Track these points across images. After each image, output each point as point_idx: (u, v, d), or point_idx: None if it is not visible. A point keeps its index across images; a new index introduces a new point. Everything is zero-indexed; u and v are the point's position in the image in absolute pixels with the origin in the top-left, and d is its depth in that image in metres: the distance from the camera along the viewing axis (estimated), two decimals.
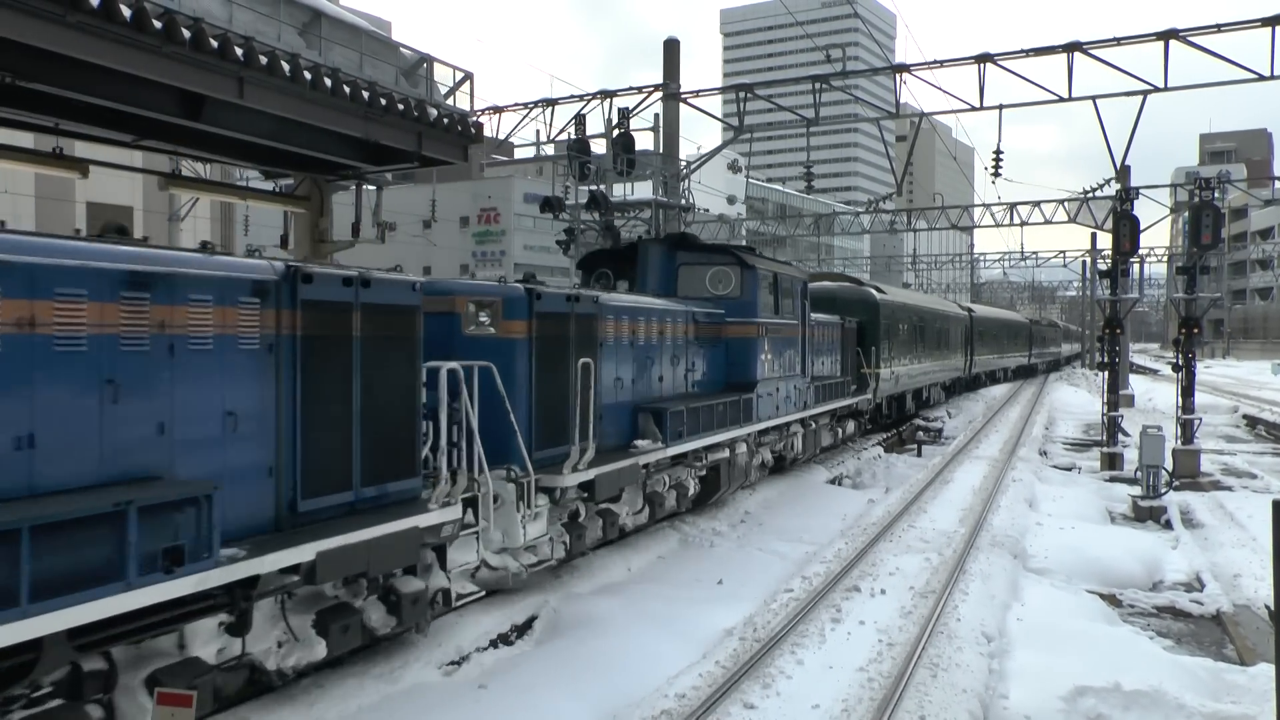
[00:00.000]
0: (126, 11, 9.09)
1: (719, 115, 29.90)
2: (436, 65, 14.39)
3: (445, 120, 14.13)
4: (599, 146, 27.24)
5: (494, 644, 10.00)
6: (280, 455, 7.33)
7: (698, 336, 15.59)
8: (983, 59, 22.55)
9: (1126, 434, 26.41)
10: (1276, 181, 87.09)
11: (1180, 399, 23.42)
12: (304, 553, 7.07)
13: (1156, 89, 21.55)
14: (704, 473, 15.32)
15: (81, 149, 13.16)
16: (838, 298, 27.94)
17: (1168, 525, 17.27)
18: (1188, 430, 23.19)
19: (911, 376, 32.85)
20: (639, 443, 12.89)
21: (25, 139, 13.87)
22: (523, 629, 10.53)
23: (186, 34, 9.79)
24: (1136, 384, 50.87)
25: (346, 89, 12.04)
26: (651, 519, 13.78)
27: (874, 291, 29.66)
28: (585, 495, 11.40)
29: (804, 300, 19.54)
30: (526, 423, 10.44)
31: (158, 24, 9.43)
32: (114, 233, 6.70)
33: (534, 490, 10.22)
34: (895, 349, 30.16)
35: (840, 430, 24.43)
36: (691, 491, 14.96)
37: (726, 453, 15.74)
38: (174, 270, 6.61)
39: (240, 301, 7.06)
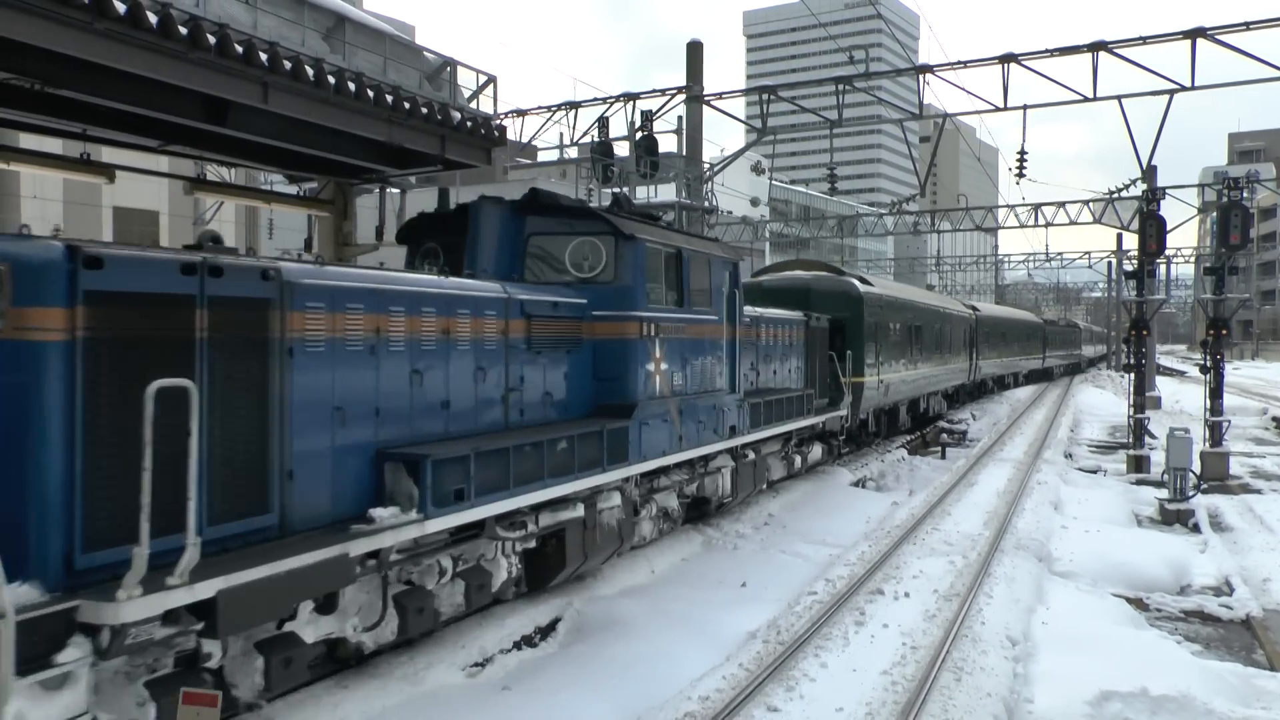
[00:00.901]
0: (153, 18, 9.19)
1: (742, 117, 29.87)
2: (460, 69, 14.46)
3: (468, 124, 14.19)
4: (622, 149, 27.30)
5: (518, 646, 10.02)
6: None
7: (534, 338, 10.56)
8: (1007, 59, 22.44)
9: (1153, 436, 26.21)
10: None
11: (1208, 401, 23.22)
12: None
13: (1183, 88, 21.39)
14: (536, 544, 10.50)
15: (108, 154, 13.29)
16: (811, 290, 23.22)
17: (1195, 529, 17.12)
18: (1216, 432, 22.99)
19: (906, 384, 28.24)
20: (378, 512, 7.80)
21: (54, 145, 14.05)
22: (546, 631, 10.55)
23: (212, 40, 9.89)
24: (1163, 386, 50.54)
25: (370, 93, 12.12)
26: (404, 633, 8.62)
27: (856, 283, 24.24)
28: (204, 628, 6.30)
29: (734, 288, 14.83)
30: (63, 501, 5.79)
31: (183, 30, 9.53)
32: None
33: (12, 635, 5.04)
34: (885, 352, 25.38)
35: (800, 457, 19.50)
36: (504, 577, 9.99)
37: (579, 510, 10.80)
38: None
39: None
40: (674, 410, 12.75)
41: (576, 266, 11.81)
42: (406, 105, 12.79)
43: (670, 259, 12.85)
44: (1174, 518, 17.64)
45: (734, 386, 14.83)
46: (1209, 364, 23.28)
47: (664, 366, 12.50)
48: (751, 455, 16.18)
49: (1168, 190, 28.47)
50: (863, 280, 25.28)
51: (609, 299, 11.69)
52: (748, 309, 16.21)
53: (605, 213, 12.14)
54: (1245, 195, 24.42)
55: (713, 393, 14.05)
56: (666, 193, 29.08)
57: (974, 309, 43.42)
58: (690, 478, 14.15)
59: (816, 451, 20.64)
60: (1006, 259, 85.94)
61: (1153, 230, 23.35)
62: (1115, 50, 21.51)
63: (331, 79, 11.46)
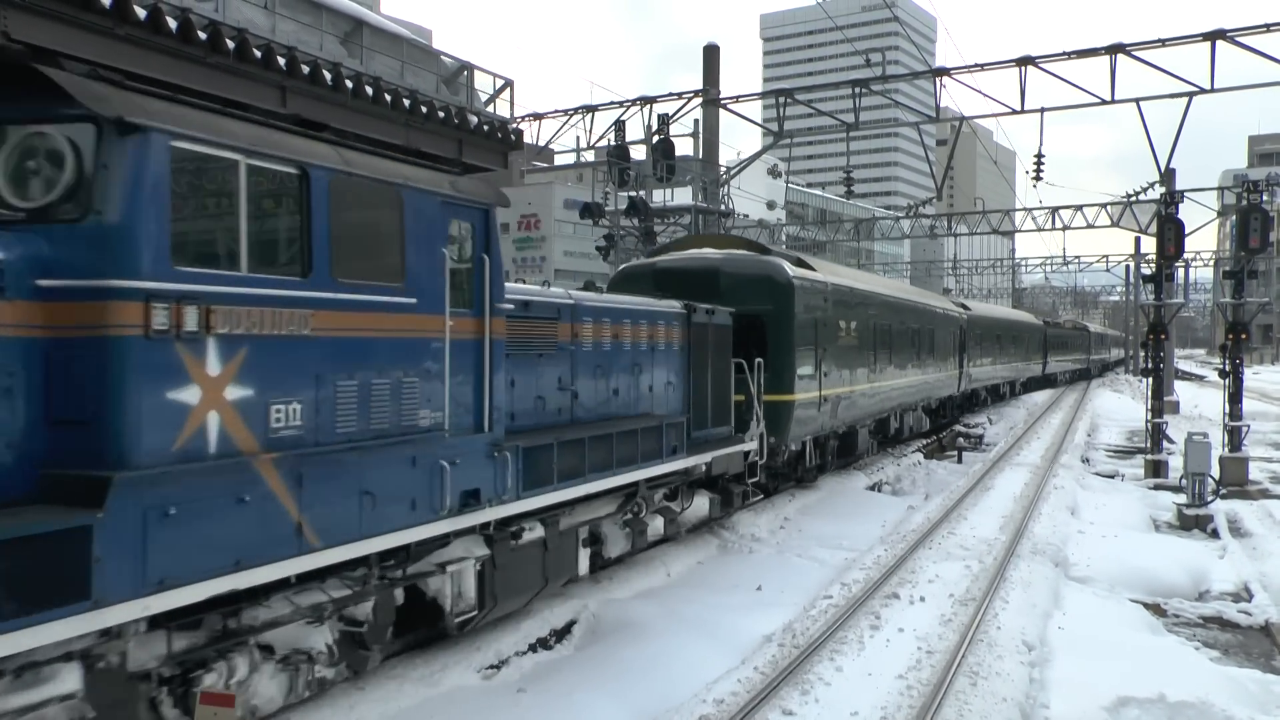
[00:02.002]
0: (172, 23, 9.26)
1: (759, 120, 29.90)
2: (477, 73, 14.51)
3: (485, 127, 14.23)
4: (639, 152, 27.39)
5: (533, 648, 10.06)
6: None
7: None
8: (1024, 62, 22.41)
9: (1171, 441, 26.07)
10: None
11: (1227, 405, 23.08)
12: None
13: (1203, 90, 21.32)
14: None
15: None
16: (720, 273, 17.00)
17: (1214, 534, 17.01)
18: (1235, 437, 22.84)
19: (868, 399, 22.30)
20: None
21: None
22: (562, 634, 10.58)
23: (230, 45, 9.96)
24: (1182, 390, 50.21)
25: (387, 97, 12.18)
26: None
27: (785, 265, 17.92)
28: None
29: (483, 253, 9.19)
30: None
31: (202, 35, 9.60)
32: None
33: None
34: (833, 359, 19.46)
35: (666, 519, 13.25)
36: None
37: None
38: None
39: None
40: (275, 478, 6.84)
41: (19, 186, 6.20)
42: (423, 109, 12.84)
43: (276, 183, 7.26)
44: (1192, 523, 17.54)
45: (481, 422, 8.89)
46: (1228, 368, 23.14)
47: (241, 392, 6.68)
48: (536, 533, 10.06)
49: (1186, 193, 28.40)
50: (799, 262, 19.22)
51: (74, 253, 5.96)
52: (561, 292, 11.46)
53: (80, 78, 6.35)
54: (1265, 198, 24.30)
55: (413, 437, 8.06)
56: (683, 196, 29.14)
57: (964, 307, 37.32)
58: (361, 592, 7.90)
59: (701, 505, 14.26)
60: (1024, 262, 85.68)
61: (1171, 234, 23.24)
62: (1133, 53, 21.45)
63: (349, 83, 11.53)
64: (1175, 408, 40.31)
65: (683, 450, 13.06)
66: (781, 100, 26.53)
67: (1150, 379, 25.53)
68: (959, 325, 33.83)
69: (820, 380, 18.68)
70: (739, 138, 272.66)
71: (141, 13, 8.99)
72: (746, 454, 15.30)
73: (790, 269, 17.83)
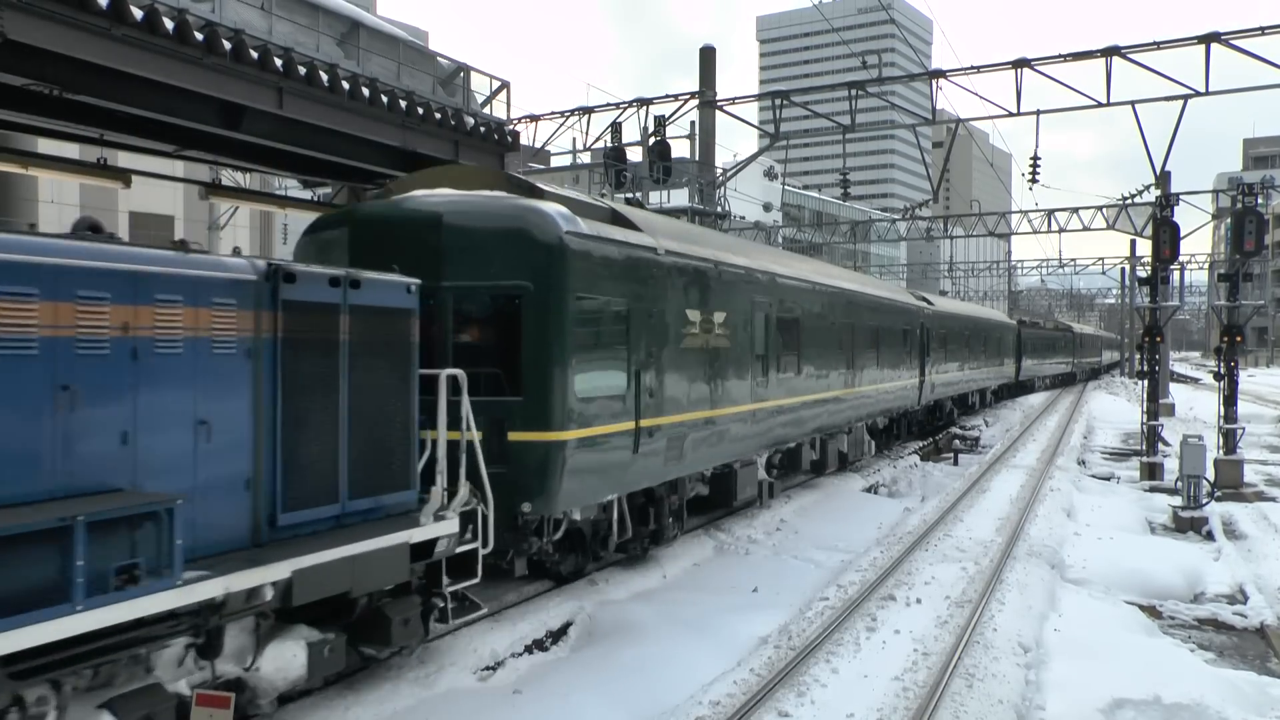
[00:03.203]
0: (169, 24, 9.26)
1: (755, 122, 29.89)
2: (473, 74, 14.53)
3: (482, 129, 14.25)
4: (635, 154, 27.38)
5: (529, 650, 10.05)
6: None
7: None
8: (1020, 64, 22.41)
9: (1167, 443, 26.10)
10: None
11: (1222, 408, 23.11)
12: None
13: (1198, 93, 21.31)
14: None
15: (124, 160, 13.40)
16: (444, 226, 10.37)
17: (1209, 536, 17.03)
18: (1230, 440, 22.87)
19: (754, 424, 15.56)
20: None
21: (71, 150, 14.18)
22: (558, 635, 10.57)
23: (227, 45, 9.96)
24: (1177, 393, 50.28)
25: (384, 98, 12.18)
26: None
27: (556, 215, 10.55)
28: None
29: None
30: None
31: (199, 36, 9.61)
32: None
33: None
34: (672, 368, 12.70)
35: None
36: None
37: None
38: None
39: None
40: None
41: None
42: (420, 110, 12.84)
43: None
44: (1188, 525, 17.55)
45: None
46: (1223, 371, 23.18)
47: None
48: None
49: (1181, 196, 28.32)
50: (615, 217, 12.33)
51: None
52: None
53: None
54: (1260, 201, 24.31)
55: None
56: (679, 198, 29.14)
57: (925, 301, 31.18)
58: None
59: (288, 660, 7.11)
60: (1020, 265, 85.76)
61: (1166, 236, 23.26)
62: (1129, 55, 21.45)
63: (345, 84, 11.53)
64: (1170, 410, 40.39)
65: (173, 573, 5.93)
66: (778, 102, 26.52)
67: (1146, 382, 25.56)
68: (918, 323, 27.70)
69: (639, 402, 11.82)
70: (735, 140, 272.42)
71: (138, 14, 9.00)
72: (431, 545, 8.37)
73: (566, 221, 10.63)
